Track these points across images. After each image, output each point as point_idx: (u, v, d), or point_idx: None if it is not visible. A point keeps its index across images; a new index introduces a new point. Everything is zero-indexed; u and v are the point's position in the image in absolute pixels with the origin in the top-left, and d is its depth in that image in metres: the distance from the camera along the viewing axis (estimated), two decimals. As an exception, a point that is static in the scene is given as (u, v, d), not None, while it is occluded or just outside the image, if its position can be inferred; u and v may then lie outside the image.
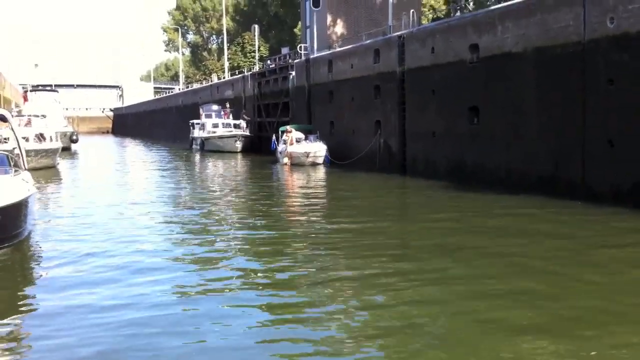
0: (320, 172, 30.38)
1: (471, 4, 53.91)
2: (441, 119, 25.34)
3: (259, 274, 10.62)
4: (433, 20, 47.36)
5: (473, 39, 23.28)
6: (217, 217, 16.78)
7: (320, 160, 33.66)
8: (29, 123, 38.88)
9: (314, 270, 10.80)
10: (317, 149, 33.83)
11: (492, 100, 22.30)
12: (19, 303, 9.28)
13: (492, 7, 24.15)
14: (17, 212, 12.24)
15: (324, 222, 15.84)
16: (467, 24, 23.93)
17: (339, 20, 45.19)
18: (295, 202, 20.63)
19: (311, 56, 40.09)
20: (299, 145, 34.29)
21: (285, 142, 35.09)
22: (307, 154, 33.47)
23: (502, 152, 21.73)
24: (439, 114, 25.49)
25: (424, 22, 44.38)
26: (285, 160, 34.07)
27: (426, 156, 26.48)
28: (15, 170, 14.02)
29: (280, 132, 36.87)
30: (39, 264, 11.62)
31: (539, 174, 20.05)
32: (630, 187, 16.94)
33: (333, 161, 33.05)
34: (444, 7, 53.98)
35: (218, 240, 13.64)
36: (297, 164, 33.38)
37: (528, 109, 20.54)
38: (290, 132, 35.06)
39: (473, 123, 23.45)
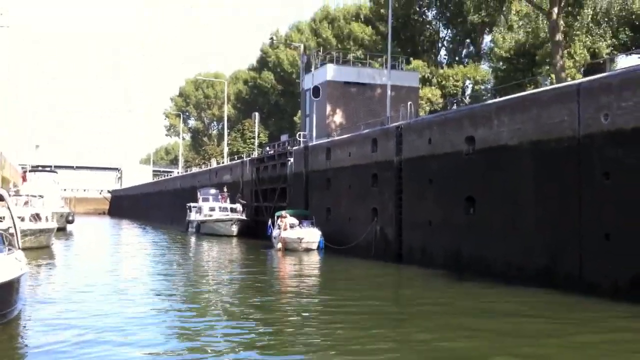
0: (314, 259, 30.10)
1: (467, 98, 55.34)
2: (438, 209, 25.43)
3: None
4: (430, 112, 48.44)
5: (469, 132, 23.69)
6: (205, 305, 16.46)
7: (314, 246, 33.50)
8: (27, 203, 38.99)
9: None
10: (311, 235, 33.73)
11: (488, 191, 22.46)
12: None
13: (489, 102, 24.74)
14: (8, 291, 12.17)
15: (310, 313, 15.39)
16: (464, 117, 24.42)
17: (338, 110, 46.25)
18: (284, 290, 20.17)
19: (310, 144, 40.68)
20: (292, 230, 34.23)
21: (279, 227, 35.06)
22: (300, 240, 33.34)
23: (499, 243, 21.68)
24: (435, 204, 25.60)
25: (421, 113, 45.40)
26: (279, 245, 33.93)
27: (423, 245, 26.40)
28: (9, 249, 14.04)
29: (275, 217, 36.91)
30: (25, 347, 11.33)
31: (536, 266, 19.93)
32: (627, 281, 16.81)
33: (329, 245, 32.86)
34: (440, 100, 55.29)
35: (206, 332, 13.13)
36: (290, 250, 33.17)
37: (524, 201, 20.66)
38: (285, 217, 35.10)
39: (469, 213, 23.52)
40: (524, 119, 20.86)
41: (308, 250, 33.07)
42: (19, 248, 15.08)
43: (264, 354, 11.05)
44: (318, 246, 33.51)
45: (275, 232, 35.70)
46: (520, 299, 17.31)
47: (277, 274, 25.01)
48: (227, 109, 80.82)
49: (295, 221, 35.17)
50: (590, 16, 39.99)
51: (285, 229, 34.31)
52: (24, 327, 12.79)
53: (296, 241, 33.37)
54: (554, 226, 19.35)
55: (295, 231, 34.13)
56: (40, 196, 42.85)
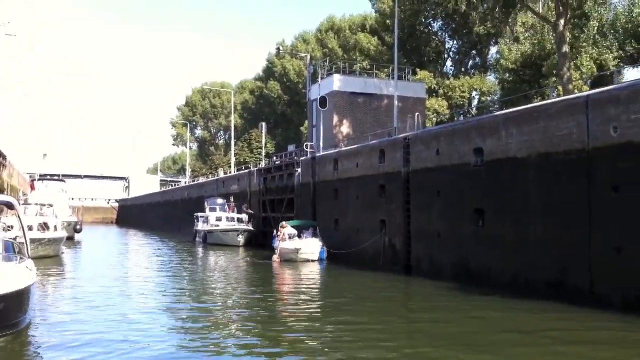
0: (312, 270, 29.89)
1: (474, 109, 55.45)
2: (446, 220, 25.48)
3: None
4: (437, 124, 48.52)
5: (477, 143, 23.77)
6: (204, 314, 16.53)
7: (314, 257, 33.31)
8: (38, 212, 39.19)
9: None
10: (309, 246, 33.58)
11: (497, 203, 22.51)
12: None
13: (497, 113, 24.82)
14: (19, 300, 12.18)
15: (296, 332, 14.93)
16: (472, 128, 24.50)
17: (345, 121, 46.39)
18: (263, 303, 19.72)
19: (317, 154, 40.80)
20: (290, 241, 34.15)
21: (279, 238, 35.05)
22: (297, 251, 33.21)
23: (508, 255, 21.71)
24: (444, 215, 25.66)
25: (428, 125, 45.49)
26: (275, 256, 33.95)
27: (431, 256, 26.45)
28: (20, 258, 14.08)
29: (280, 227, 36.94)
30: (36, 358, 11.36)
31: (546, 279, 19.94)
32: (638, 295, 16.80)
33: (333, 254, 32.68)
34: (447, 112, 55.39)
35: (208, 343, 13.10)
36: (288, 260, 33.09)
37: (533, 213, 20.69)
38: (285, 227, 35.10)
39: (478, 225, 23.57)
40: (532, 130, 20.93)
41: (307, 261, 32.89)
42: (29, 257, 15.14)
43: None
44: (319, 257, 33.40)
45: (276, 243, 35.64)
46: (532, 314, 17.34)
47: (262, 288, 23.95)
48: (234, 119, 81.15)
49: (293, 232, 35.06)
50: (596, 28, 40.19)
51: (282, 240, 34.33)
52: (34, 337, 12.77)
53: (293, 252, 33.24)
54: (563, 239, 19.35)
55: (293, 242, 34.02)
56: (49, 205, 43.02)
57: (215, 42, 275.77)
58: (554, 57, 39.72)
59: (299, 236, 35.01)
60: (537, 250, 20.40)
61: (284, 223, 35.93)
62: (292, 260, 33.06)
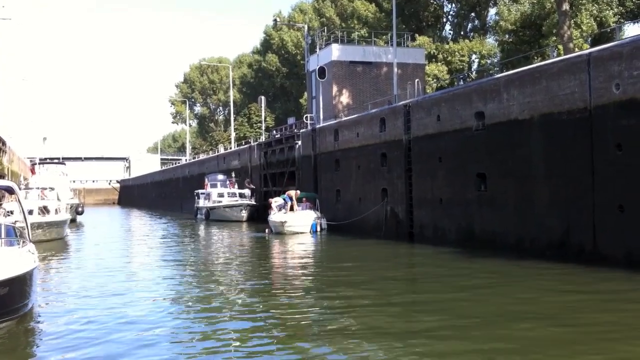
0: (299, 241, 29.63)
1: (474, 73, 54.82)
2: (449, 186, 25.24)
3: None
4: (437, 89, 48.01)
5: (478, 107, 23.42)
6: (211, 296, 16.16)
7: (303, 229, 33.17)
8: (42, 195, 39.09)
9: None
10: (298, 219, 33.43)
11: (499, 166, 22.23)
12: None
13: (497, 75, 24.38)
14: (21, 285, 12.00)
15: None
16: (472, 92, 24.12)
17: (344, 90, 45.91)
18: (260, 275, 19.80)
19: (317, 126, 40.45)
20: (278, 214, 34.13)
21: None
22: (282, 224, 33.09)
23: (511, 218, 21.50)
24: (446, 181, 25.41)
25: (428, 91, 44.99)
26: (267, 231, 34.01)
27: (434, 223, 26.26)
28: (23, 242, 13.94)
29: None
30: (40, 342, 11.16)
31: (550, 239, 19.77)
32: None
33: (335, 224, 32.60)
34: (447, 77, 54.78)
35: (215, 325, 12.48)
36: (278, 233, 33.03)
37: (536, 175, 20.43)
38: (276, 201, 35.25)
39: (481, 189, 23.32)
40: (533, 91, 20.56)
41: (297, 233, 32.72)
42: (30, 241, 14.95)
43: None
44: (310, 230, 33.29)
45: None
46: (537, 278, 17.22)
47: (255, 261, 23.74)
48: (232, 94, 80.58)
49: (282, 203, 35.00)
50: (596, -16, 39.45)
51: (271, 212, 34.40)
52: (37, 322, 12.58)
53: (280, 224, 33.19)
54: (566, 199, 19.14)
55: (280, 215, 33.99)
56: (51, 188, 42.88)
57: (212, 16, 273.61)
58: (554, 15, 39.04)
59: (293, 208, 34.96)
60: (540, 212, 20.20)
61: (292, 192, 35.72)
62: (281, 232, 33.02)
